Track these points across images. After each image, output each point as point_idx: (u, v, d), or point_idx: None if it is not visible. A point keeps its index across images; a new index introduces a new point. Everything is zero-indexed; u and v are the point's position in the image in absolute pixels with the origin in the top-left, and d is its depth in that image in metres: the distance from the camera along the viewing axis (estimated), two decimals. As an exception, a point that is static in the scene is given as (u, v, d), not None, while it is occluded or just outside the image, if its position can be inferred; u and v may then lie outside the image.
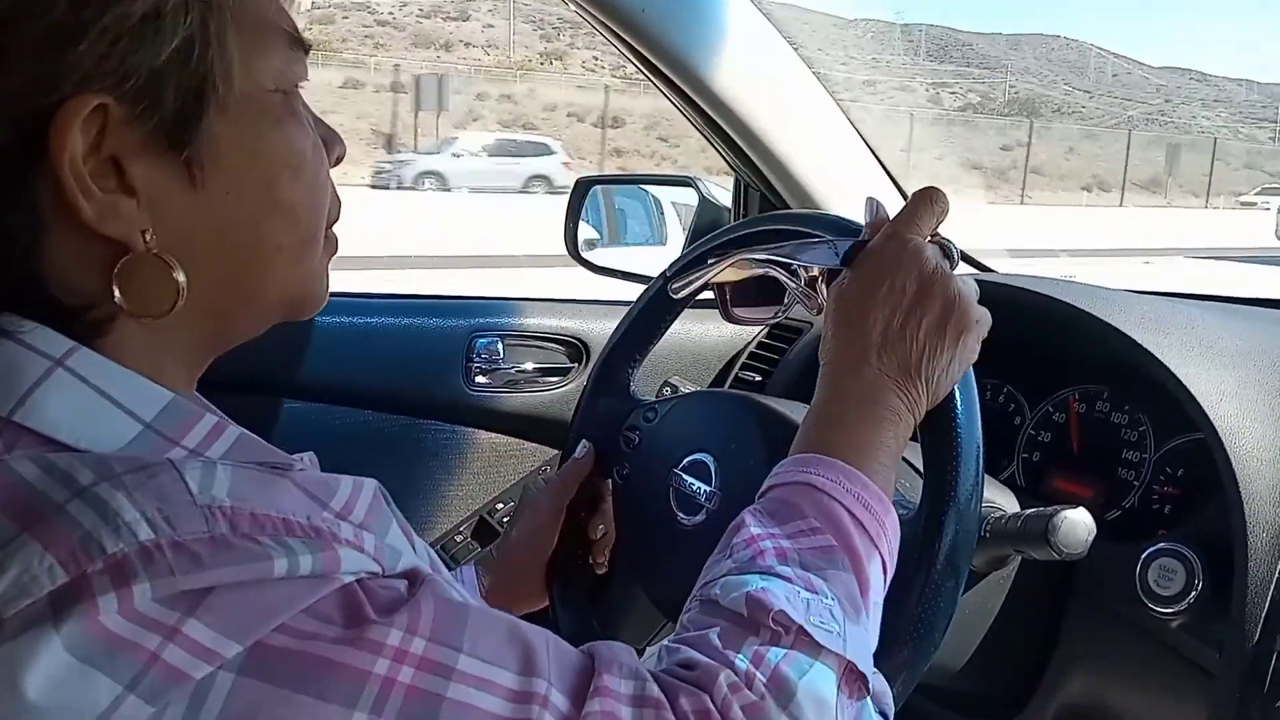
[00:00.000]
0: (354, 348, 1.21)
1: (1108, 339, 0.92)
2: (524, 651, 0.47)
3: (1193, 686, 0.82)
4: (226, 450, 0.48)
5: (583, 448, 0.95)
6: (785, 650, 0.54)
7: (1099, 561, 0.78)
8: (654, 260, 1.58)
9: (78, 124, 0.44)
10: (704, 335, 1.32)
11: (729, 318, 0.89)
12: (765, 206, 1.32)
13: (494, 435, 1.24)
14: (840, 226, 0.78)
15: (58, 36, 0.44)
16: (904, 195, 1.28)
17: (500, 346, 1.27)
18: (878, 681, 0.59)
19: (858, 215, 0.79)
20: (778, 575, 0.57)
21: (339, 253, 0.59)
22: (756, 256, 0.81)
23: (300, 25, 0.55)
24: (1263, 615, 0.76)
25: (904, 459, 0.75)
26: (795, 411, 0.84)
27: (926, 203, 0.71)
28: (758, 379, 1.29)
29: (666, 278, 0.98)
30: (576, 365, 1.32)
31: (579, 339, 1.31)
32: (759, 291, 0.87)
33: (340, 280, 0.67)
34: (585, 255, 1.54)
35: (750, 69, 1.15)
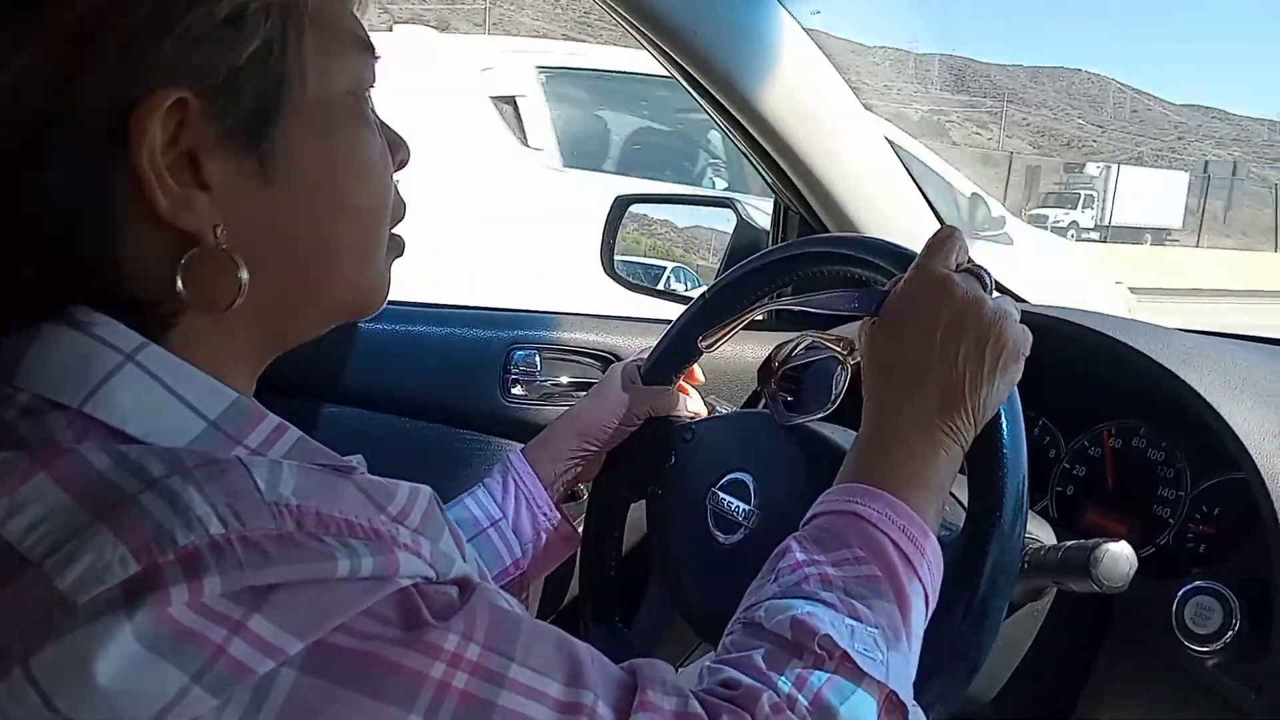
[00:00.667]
0: (395, 355, 1.23)
1: (1147, 373, 0.92)
2: (572, 663, 0.48)
3: (1228, 726, 0.81)
4: (286, 451, 0.48)
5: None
6: (828, 675, 0.55)
7: (1134, 597, 0.78)
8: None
9: (158, 118, 0.45)
10: (738, 355, 1.33)
11: (785, 420, 0.88)
12: (804, 230, 1.33)
13: (530, 442, 1.26)
14: (889, 252, 0.79)
15: (144, 33, 0.45)
16: (941, 222, 1.29)
17: (537, 359, 1.28)
18: (916, 715, 0.59)
19: (900, 239, 0.80)
20: (823, 601, 0.58)
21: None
22: (788, 306, 0.83)
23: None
24: (1302, 657, 0.75)
25: None
26: (836, 433, 0.85)
27: (944, 236, 0.72)
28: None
29: (705, 298, 0.99)
30: (611, 364, 1.33)
31: (615, 354, 1.32)
32: (807, 385, 0.87)
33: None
34: (619, 273, 1.56)
35: (797, 93, 1.15)
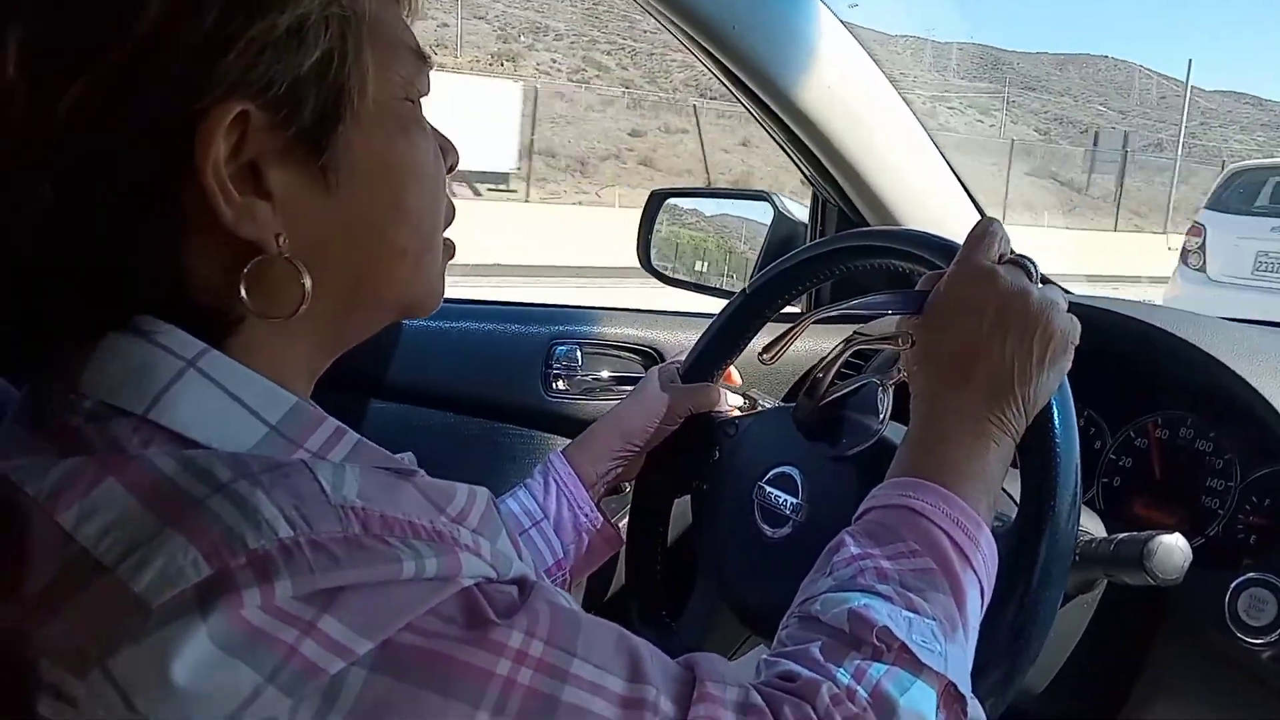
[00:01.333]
0: (439, 351, 1.23)
1: (1195, 364, 0.92)
2: (632, 658, 0.49)
3: (1283, 720, 0.81)
4: (346, 455, 0.49)
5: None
6: (887, 666, 0.55)
7: (1186, 589, 0.78)
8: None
9: (222, 130, 0.46)
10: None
11: (842, 452, 0.85)
12: (843, 222, 1.32)
13: (570, 441, 1.26)
14: (933, 244, 0.79)
15: (207, 47, 0.45)
16: (982, 215, 1.28)
17: (579, 354, 1.29)
18: (974, 707, 0.59)
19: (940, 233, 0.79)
20: (879, 594, 0.58)
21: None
22: (833, 314, 0.83)
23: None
24: (1360, 650, 0.74)
25: None
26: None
27: (984, 229, 0.72)
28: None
29: (746, 293, 0.99)
30: (650, 368, 1.33)
31: (654, 349, 1.33)
32: (851, 411, 0.86)
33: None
34: (657, 267, 1.56)
35: (836, 87, 1.15)
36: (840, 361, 0.83)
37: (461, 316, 1.26)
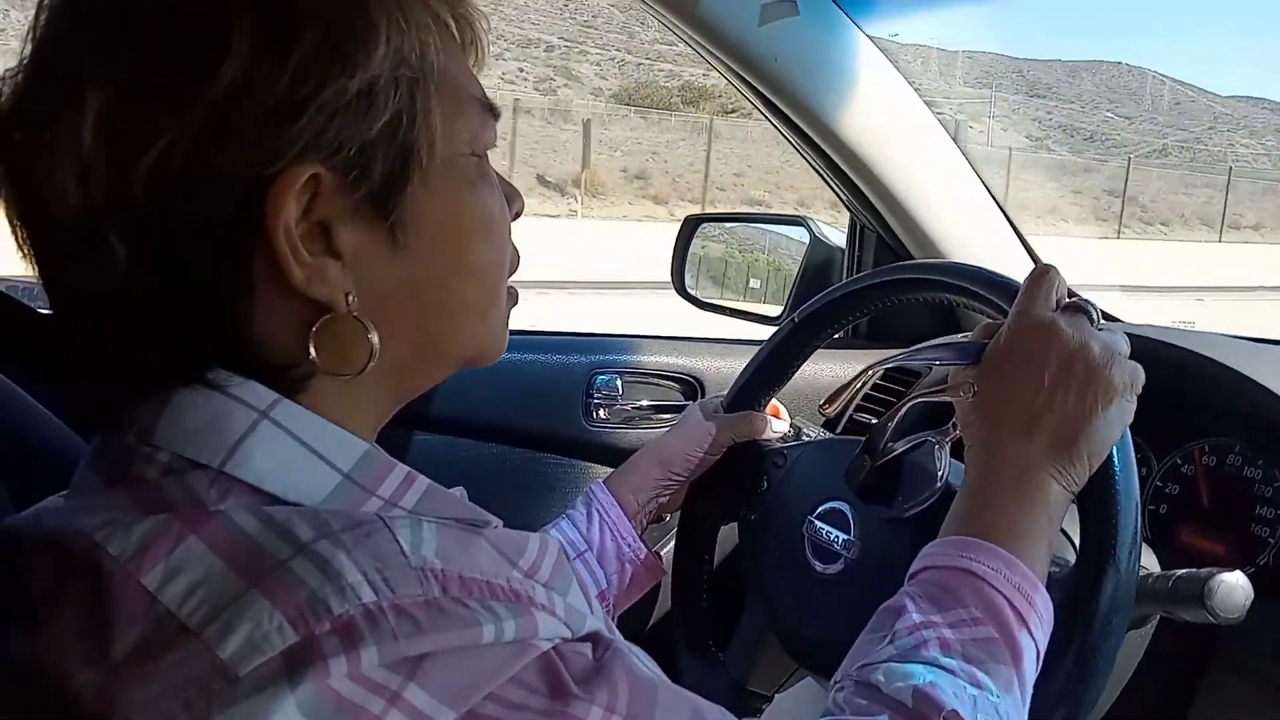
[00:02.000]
0: (481, 382, 1.24)
1: (1243, 391, 0.91)
2: None
3: (1342, 755, 0.80)
4: (418, 500, 0.49)
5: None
6: None
7: (1241, 620, 0.77)
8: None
9: (293, 193, 0.46)
10: (818, 375, 1.33)
11: (901, 513, 0.83)
12: (882, 248, 1.33)
13: (611, 470, 1.27)
14: (990, 281, 0.79)
15: (279, 112, 0.45)
16: (1025, 244, 1.28)
17: (619, 383, 1.30)
18: None
19: (981, 262, 0.79)
20: (943, 668, 0.58)
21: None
22: (896, 363, 0.82)
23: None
24: None
25: None
26: (931, 461, 0.85)
27: (1040, 275, 0.71)
28: (873, 421, 1.29)
29: (794, 321, 0.99)
30: (691, 403, 1.34)
31: (694, 376, 1.33)
32: (907, 469, 0.85)
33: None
34: (693, 292, 1.56)
35: (876, 115, 1.16)
36: (899, 419, 0.82)
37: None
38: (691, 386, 1.33)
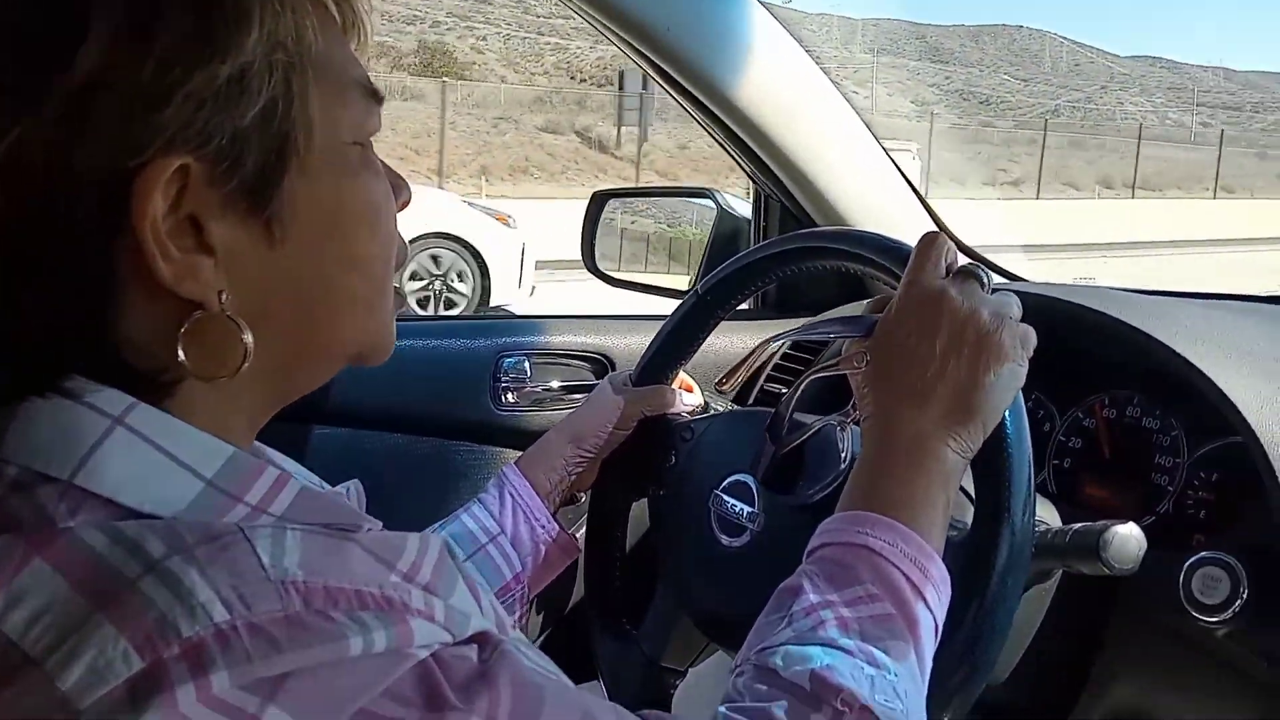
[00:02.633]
0: (383, 371, 1.20)
1: (1140, 346, 0.92)
2: None
3: (1240, 696, 0.82)
4: (288, 505, 0.47)
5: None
6: None
7: (1140, 570, 0.79)
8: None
9: (159, 186, 0.43)
10: (725, 347, 1.32)
11: (807, 500, 0.83)
12: (786, 219, 1.32)
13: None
14: (884, 247, 0.78)
15: (145, 99, 0.43)
16: (928, 208, 1.29)
17: (527, 365, 1.27)
18: None
19: (886, 231, 0.79)
20: (840, 648, 0.57)
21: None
22: (789, 339, 0.82)
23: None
24: (1311, 623, 0.75)
25: None
26: (836, 432, 0.85)
27: (928, 246, 0.71)
28: (783, 391, 1.29)
29: (698, 294, 0.98)
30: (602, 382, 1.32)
31: (604, 355, 1.31)
32: (811, 453, 0.84)
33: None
34: (603, 268, 1.55)
35: (774, 84, 1.15)
36: (798, 397, 0.82)
37: (404, 334, 1.23)
38: (602, 365, 1.32)
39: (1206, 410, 0.86)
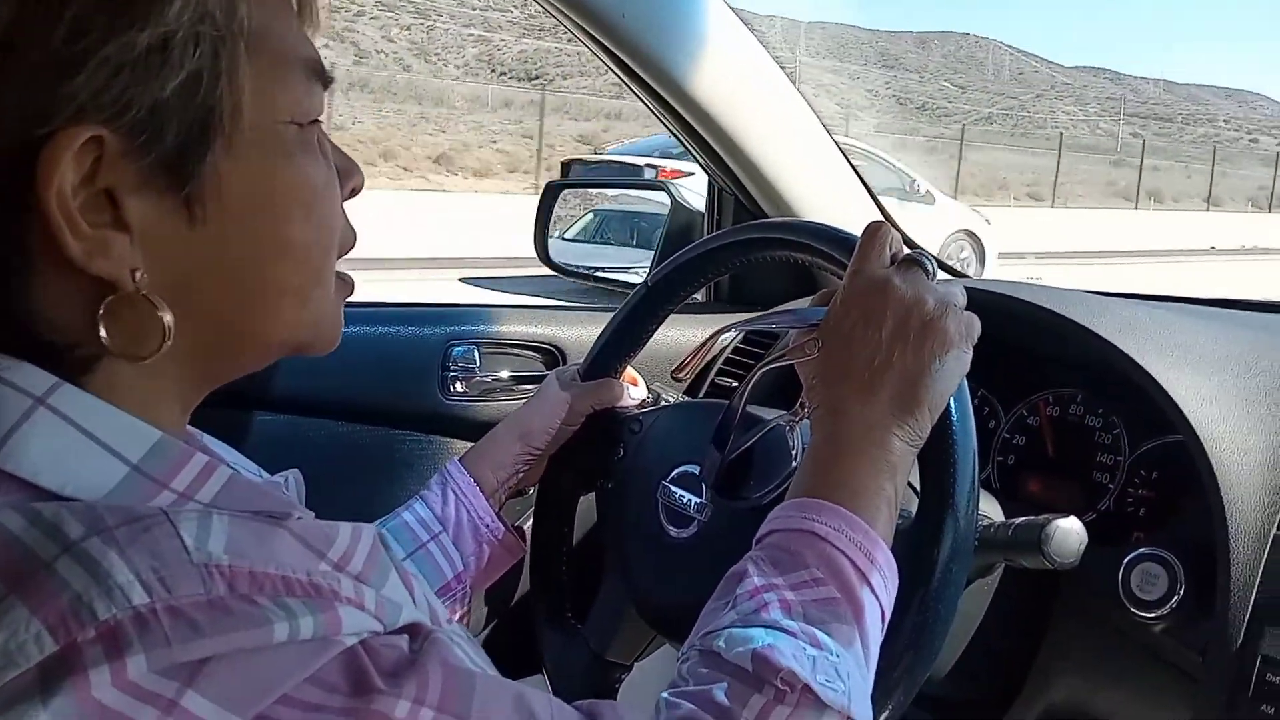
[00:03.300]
0: (329, 358, 1.17)
1: (1084, 343, 0.94)
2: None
3: (1176, 690, 0.83)
4: (217, 493, 0.46)
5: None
6: (791, 709, 0.54)
7: (1081, 566, 0.79)
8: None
9: (68, 157, 0.42)
10: (679, 340, 1.32)
11: (760, 502, 0.80)
12: (739, 211, 1.32)
13: (470, 445, 1.24)
14: (830, 237, 0.78)
15: (55, 65, 0.41)
16: (876, 201, 1.29)
17: (476, 354, 1.25)
18: None
19: (836, 223, 0.79)
20: (783, 630, 0.57)
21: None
22: (741, 329, 0.81)
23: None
24: (1245, 619, 0.77)
25: None
26: (783, 421, 0.84)
27: (871, 235, 0.71)
28: (734, 385, 1.29)
29: (647, 286, 0.98)
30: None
31: (555, 345, 1.30)
32: (757, 455, 0.83)
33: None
34: (555, 259, 1.54)
35: (728, 75, 1.14)
36: (748, 391, 0.81)
37: (352, 320, 1.21)
38: (552, 356, 1.30)
39: (1148, 408, 0.87)
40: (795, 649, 0.56)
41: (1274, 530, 0.79)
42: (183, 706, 0.37)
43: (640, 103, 1.23)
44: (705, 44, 1.14)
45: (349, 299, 0.58)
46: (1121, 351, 0.90)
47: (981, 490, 0.92)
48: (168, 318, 0.46)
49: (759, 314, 0.79)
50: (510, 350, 1.29)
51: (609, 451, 0.94)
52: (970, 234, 10.04)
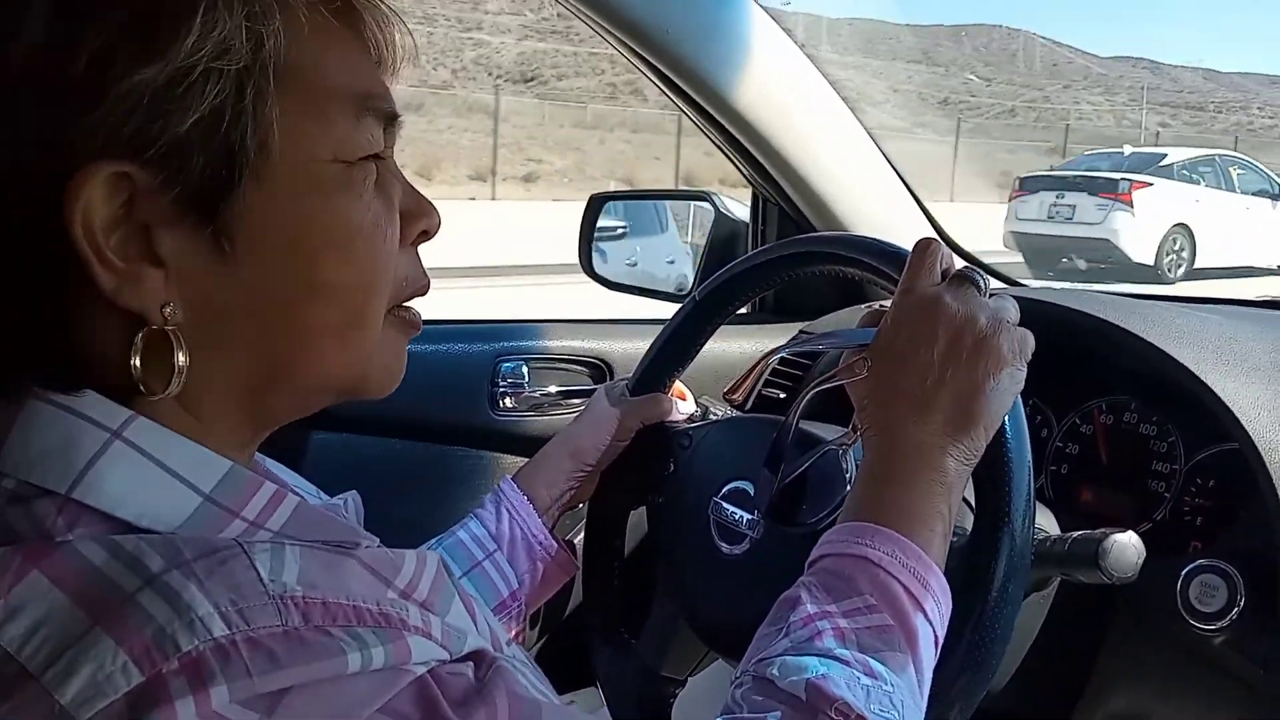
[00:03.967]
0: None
1: (1137, 351, 0.92)
2: None
3: (1238, 702, 0.82)
4: (286, 520, 0.47)
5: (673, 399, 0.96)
6: None
7: (1138, 578, 0.79)
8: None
9: (93, 191, 0.42)
10: (724, 352, 1.32)
11: (815, 527, 0.79)
12: (784, 222, 1.32)
13: (521, 460, 1.24)
14: (886, 253, 0.78)
15: (75, 101, 0.42)
16: (925, 212, 1.29)
17: (525, 370, 1.27)
18: None
19: (883, 235, 0.79)
20: (836, 659, 0.57)
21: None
22: (791, 350, 0.80)
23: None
24: (1309, 631, 0.76)
25: None
26: (836, 437, 0.84)
27: (922, 253, 0.70)
28: (783, 396, 1.29)
29: (695, 300, 0.98)
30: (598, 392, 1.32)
31: (602, 359, 1.31)
32: (812, 478, 0.82)
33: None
34: (600, 272, 1.54)
35: (773, 87, 1.15)
36: (799, 411, 0.80)
37: None
38: (600, 370, 1.31)
39: (1203, 416, 0.86)
40: (849, 678, 0.56)
41: (1336, 541, 0.78)
42: None
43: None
44: (749, 57, 1.14)
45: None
46: (1176, 360, 0.89)
47: (1038, 503, 0.92)
48: (181, 357, 0.45)
49: (809, 336, 0.79)
50: (558, 365, 1.30)
51: (659, 467, 0.94)
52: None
